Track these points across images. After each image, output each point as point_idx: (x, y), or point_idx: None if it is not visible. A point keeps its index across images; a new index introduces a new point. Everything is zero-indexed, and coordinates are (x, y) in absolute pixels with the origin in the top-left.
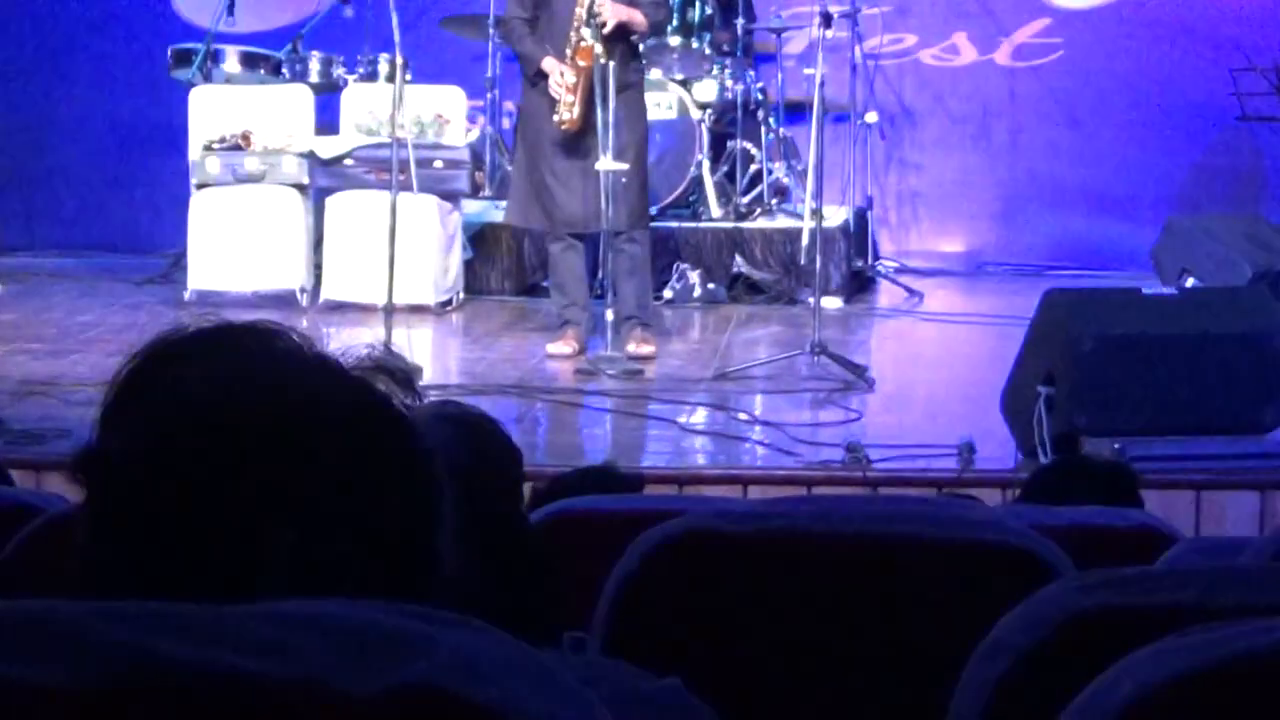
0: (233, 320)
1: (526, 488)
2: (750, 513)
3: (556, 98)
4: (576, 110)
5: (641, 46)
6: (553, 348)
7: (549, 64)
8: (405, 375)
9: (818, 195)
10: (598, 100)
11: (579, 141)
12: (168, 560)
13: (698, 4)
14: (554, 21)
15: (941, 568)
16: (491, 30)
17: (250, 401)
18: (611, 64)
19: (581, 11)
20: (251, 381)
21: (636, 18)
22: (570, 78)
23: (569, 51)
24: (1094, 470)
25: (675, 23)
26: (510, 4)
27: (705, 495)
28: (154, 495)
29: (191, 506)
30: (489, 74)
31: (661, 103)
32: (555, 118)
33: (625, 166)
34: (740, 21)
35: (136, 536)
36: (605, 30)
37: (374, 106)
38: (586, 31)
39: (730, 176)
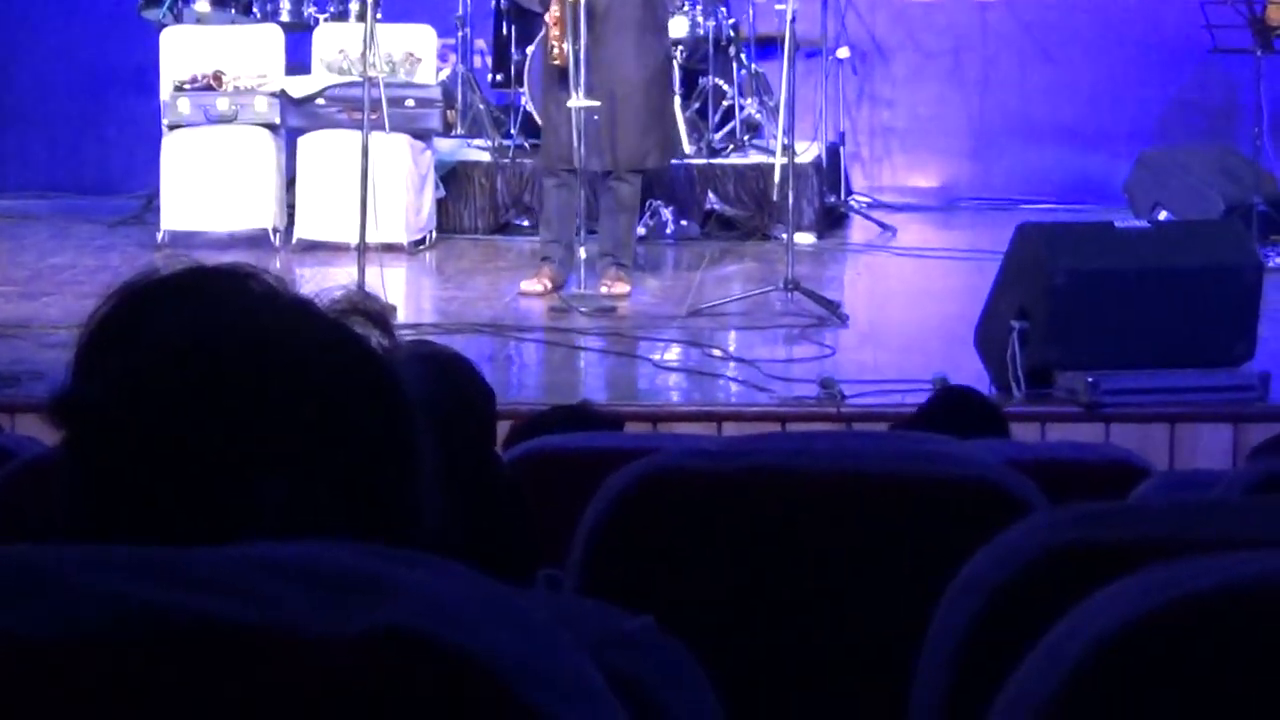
0: (206, 263)
1: (502, 425)
2: (722, 450)
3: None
4: (566, 45)
5: None
6: (526, 285)
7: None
8: (381, 316)
9: (790, 131)
10: (570, 37)
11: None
12: (146, 506)
13: None
14: None
15: (915, 503)
16: None
17: (226, 345)
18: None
19: None
20: (227, 325)
21: None
22: (555, 10)
23: None
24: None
25: None
26: None
27: (680, 432)
28: (132, 441)
29: (170, 452)
30: (460, 12)
31: None
32: (549, 54)
33: (595, 104)
34: None
35: (114, 483)
36: None
37: (345, 45)
38: None
39: (702, 113)
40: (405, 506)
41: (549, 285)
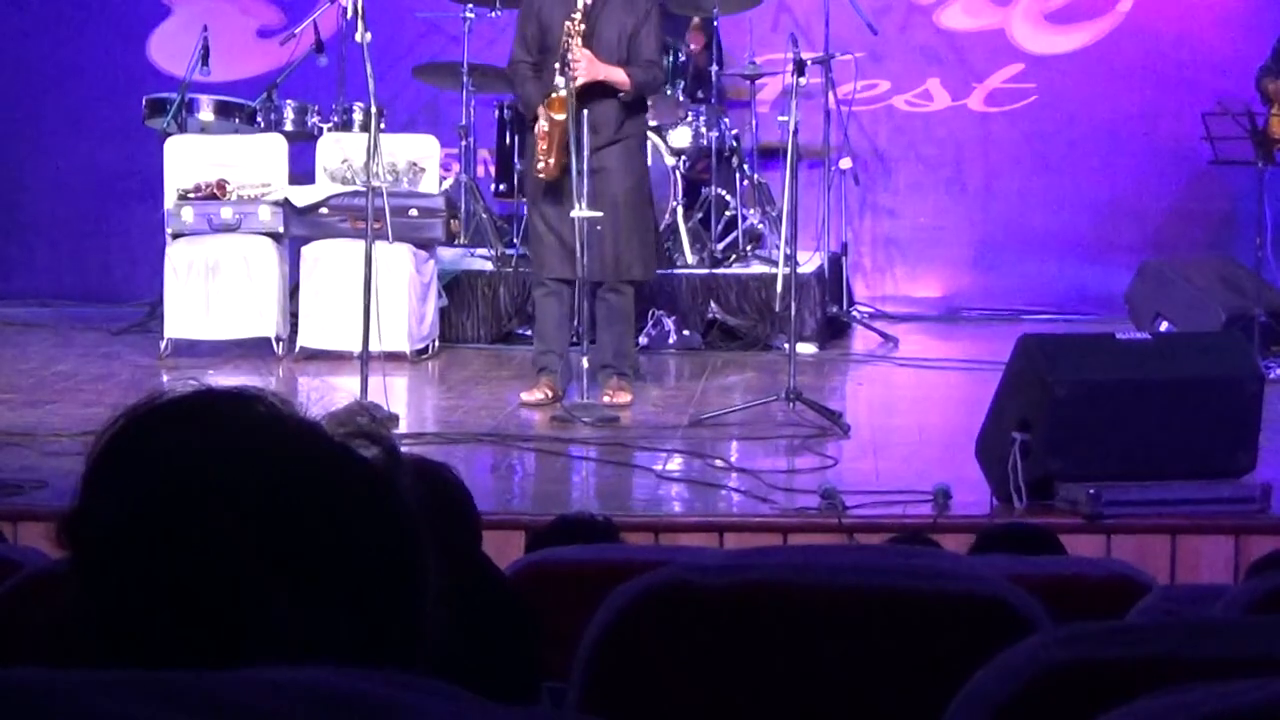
0: (213, 385)
1: (505, 535)
2: (724, 565)
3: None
4: (552, 159)
5: (650, 100)
6: (527, 396)
7: (541, 111)
8: (387, 439)
9: (792, 241)
10: (571, 149)
11: (563, 189)
12: (153, 627)
13: (671, 51)
14: (552, 67)
15: (917, 619)
16: (465, 78)
17: (232, 470)
18: (585, 113)
19: (571, 56)
20: (233, 450)
21: (616, 76)
22: (544, 126)
23: (546, 99)
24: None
25: None
26: (516, 47)
27: (682, 543)
28: (140, 564)
29: (177, 576)
30: (463, 122)
31: None
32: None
33: (598, 215)
34: (714, 68)
35: (121, 603)
36: (575, 84)
37: (349, 155)
38: (560, 81)
39: (705, 223)
40: (410, 624)
41: (549, 395)
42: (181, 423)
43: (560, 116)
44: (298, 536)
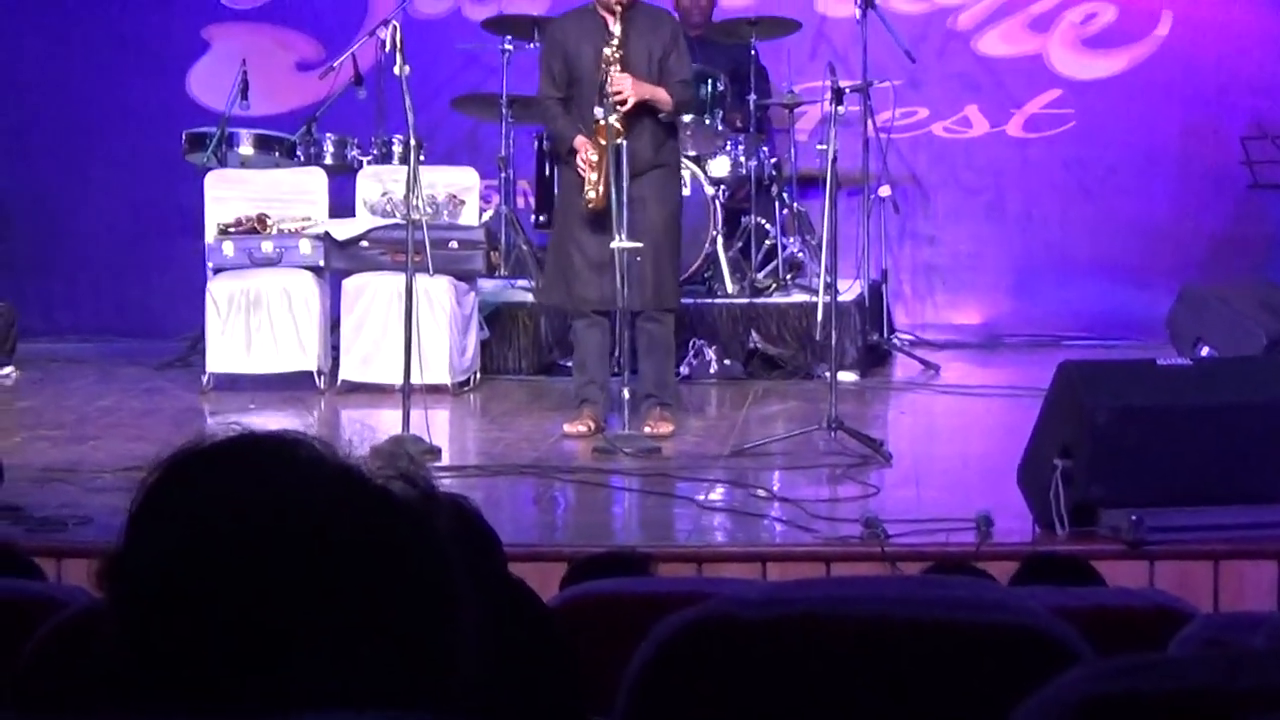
0: (254, 430)
1: (548, 568)
2: (767, 598)
3: (583, 176)
4: (601, 189)
5: (682, 122)
6: (569, 427)
7: (579, 142)
8: (425, 481)
9: (832, 269)
10: (611, 178)
11: (604, 219)
12: (192, 670)
13: (710, 80)
14: (584, 99)
15: (961, 650)
16: (504, 110)
17: (272, 516)
18: (623, 142)
19: (610, 87)
20: (273, 495)
21: (659, 95)
22: (594, 156)
23: (595, 127)
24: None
25: None
26: (543, 83)
27: (724, 573)
28: (179, 608)
29: (217, 619)
30: (502, 153)
31: None
32: (583, 196)
33: (638, 245)
34: (753, 97)
35: (161, 646)
36: (624, 108)
37: (389, 188)
38: (600, 110)
39: (745, 252)
40: (450, 661)
41: (592, 427)
42: (224, 467)
43: (606, 143)
44: (338, 579)
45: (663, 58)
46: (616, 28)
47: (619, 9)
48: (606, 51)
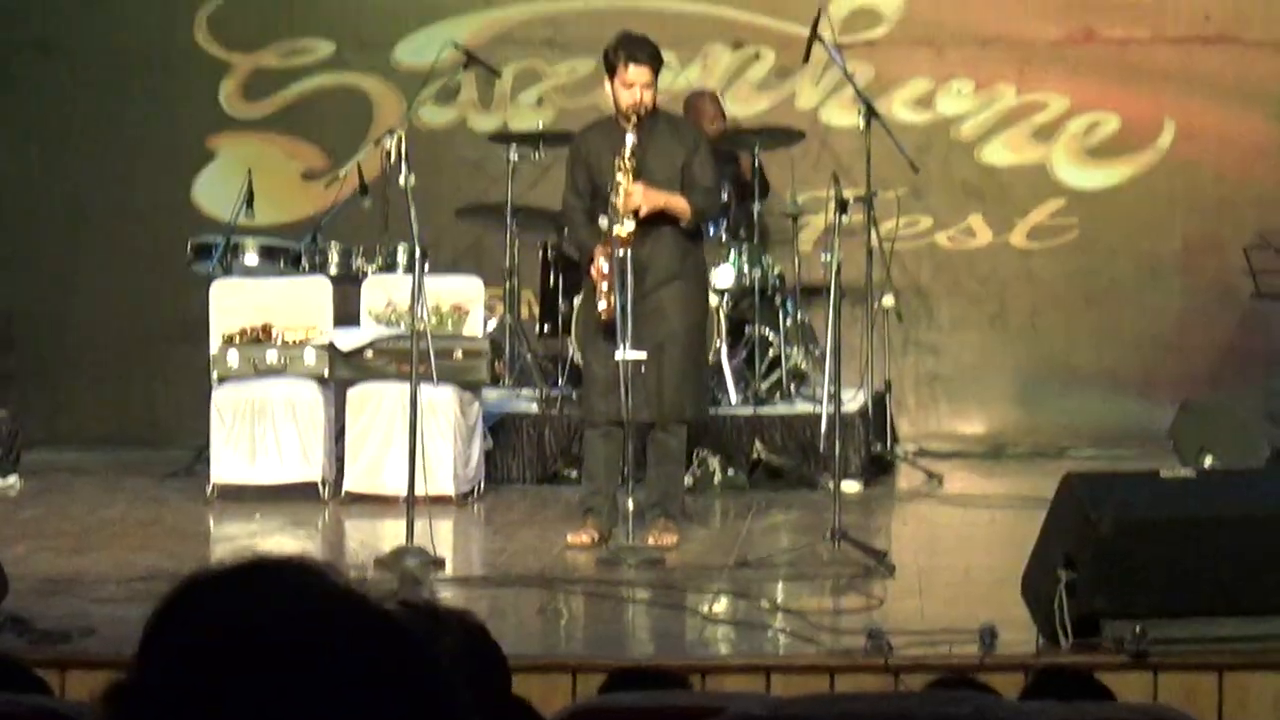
0: (267, 557)
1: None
2: (773, 714)
3: (595, 285)
4: (614, 298)
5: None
6: (573, 538)
7: (596, 251)
8: (429, 605)
9: (835, 380)
10: (617, 288)
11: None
12: None
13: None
14: (608, 207)
15: None
16: (509, 219)
17: (281, 641)
18: (626, 252)
19: (616, 198)
20: (283, 620)
21: (676, 203)
22: (603, 265)
23: (604, 238)
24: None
25: None
26: (567, 193)
27: (728, 685)
28: None
29: None
30: (507, 263)
31: None
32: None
33: (642, 357)
34: (756, 206)
35: None
36: (640, 215)
37: (393, 297)
38: (604, 219)
39: (749, 362)
40: None
41: (595, 537)
42: (233, 593)
43: (619, 254)
44: (342, 706)
45: (685, 165)
46: (630, 137)
47: (634, 119)
48: (618, 161)
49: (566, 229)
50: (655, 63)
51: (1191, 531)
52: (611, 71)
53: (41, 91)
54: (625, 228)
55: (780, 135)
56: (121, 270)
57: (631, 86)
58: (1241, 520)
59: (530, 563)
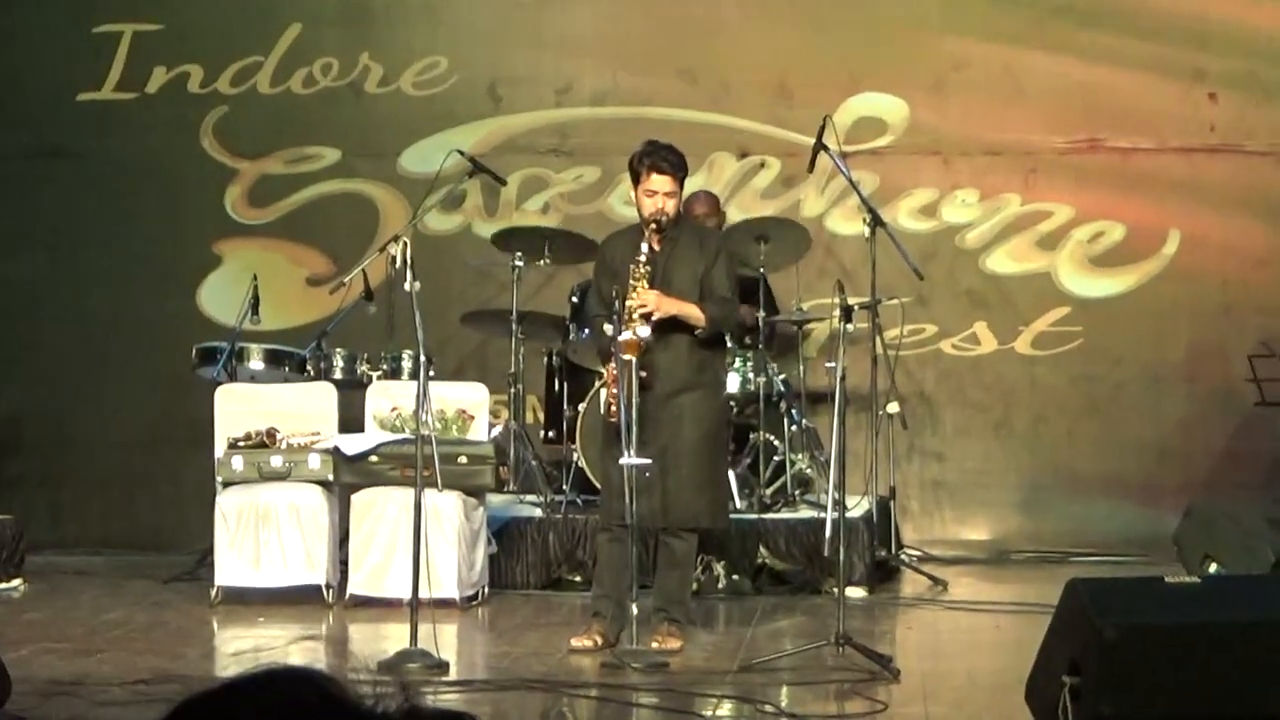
0: (265, 670)
1: None
2: None
3: (609, 392)
4: (618, 404)
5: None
6: (576, 641)
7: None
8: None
9: (840, 486)
10: (621, 395)
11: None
12: None
13: None
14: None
15: None
16: (514, 326)
17: None
18: (631, 358)
19: (631, 305)
20: None
21: (689, 311)
22: (614, 369)
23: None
24: None
25: None
26: (592, 300)
27: None
28: None
29: None
30: (512, 369)
31: None
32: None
33: (647, 462)
34: (761, 314)
35: None
36: (653, 320)
37: (398, 403)
38: (609, 327)
39: (753, 468)
40: None
41: (599, 641)
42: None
43: (628, 358)
44: None
45: (704, 275)
46: (645, 246)
47: (654, 227)
48: (632, 268)
49: (593, 337)
50: (679, 172)
51: (1196, 638)
52: (636, 178)
53: (49, 197)
54: (631, 336)
55: (786, 236)
56: (127, 375)
57: (654, 195)
58: (1246, 627)
59: (534, 667)
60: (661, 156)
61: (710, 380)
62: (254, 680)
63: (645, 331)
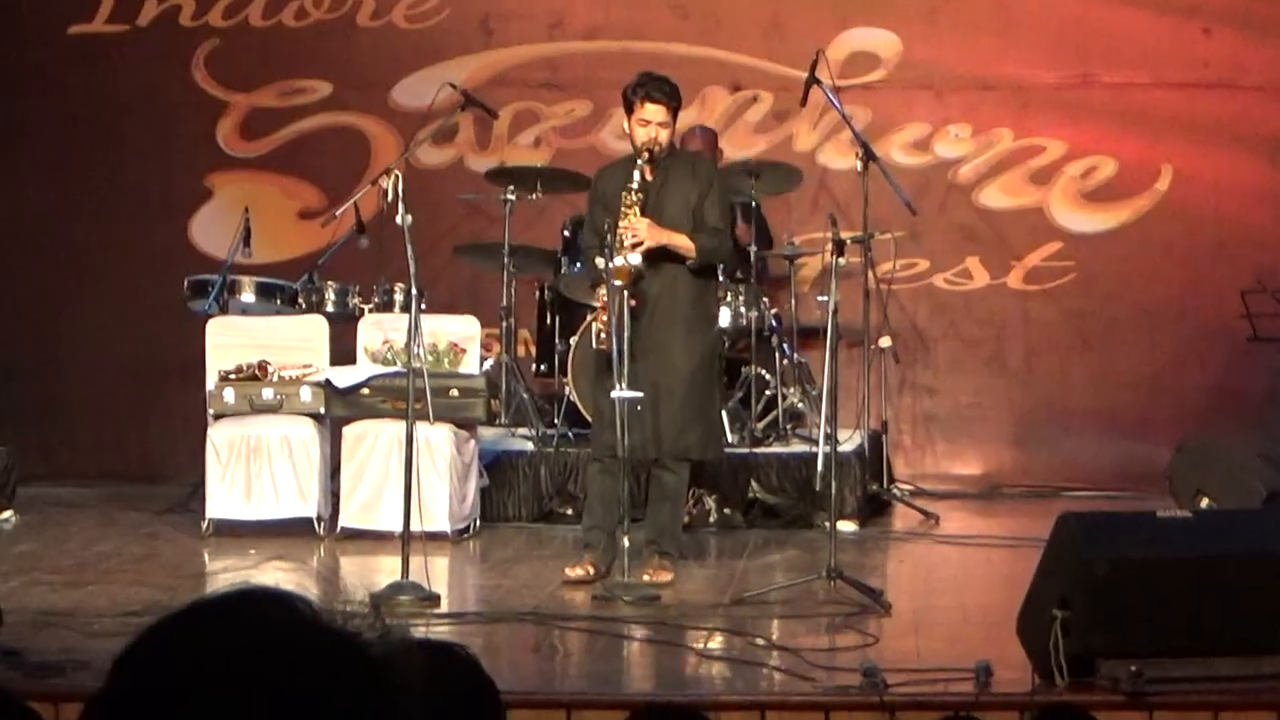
0: (246, 588)
1: (552, 715)
2: None
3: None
4: (610, 334)
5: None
6: (569, 571)
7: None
8: (419, 642)
9: (832, 420)
10: (613, 325)
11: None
12: None
13: None
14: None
15: None
16: (506, 259)
17: (255, 671)
18: (621, 283)
19: (621, 231)
20: (264, 648)
21: (679, 241)
22: (605, 296)
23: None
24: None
25: None
26: (586, 233)
27: None
28: None
29: None
30: (504, 302)
31: None
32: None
33: (638, 395)
34: (754, 248)
35: None
36: (640, 249)
37: (390, 335)
38: (600, 259)
39: (745, 402)
40: None
41: (591, 572)
42: (215, 621)
43: (618, 283)
44: None
45: (696, 205)
46: (637, 175)
47: (647, 156)
48: (623, 195)
49: (585, 264)
50: (672, 101)
51: (1187, 572)
52: (629, 109)
53: (39, 131)
54: (622, 262)
55: (779, 174)
56: (119, 307)
57: (647, 124)
58: (1236, 561)
59: (525, 599)
60: (655, 86)
61: (702, 313)
62: (224, 599)
63: (636, 259)
